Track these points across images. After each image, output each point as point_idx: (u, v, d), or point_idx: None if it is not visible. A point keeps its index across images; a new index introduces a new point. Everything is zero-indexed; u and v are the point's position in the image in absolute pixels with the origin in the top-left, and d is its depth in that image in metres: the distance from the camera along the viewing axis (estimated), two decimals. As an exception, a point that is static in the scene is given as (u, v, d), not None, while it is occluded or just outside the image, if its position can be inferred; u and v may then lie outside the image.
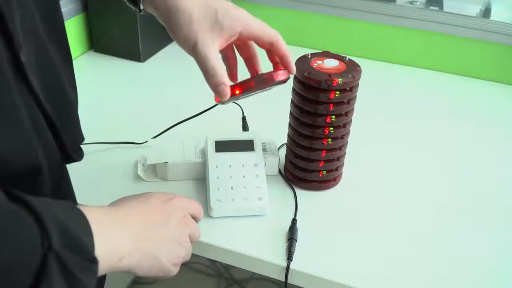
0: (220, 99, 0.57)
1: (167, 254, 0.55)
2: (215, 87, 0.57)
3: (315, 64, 0.70)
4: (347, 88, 0.69)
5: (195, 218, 0.62)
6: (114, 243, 0.48)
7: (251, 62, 0.65)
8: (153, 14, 0.61)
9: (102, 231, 0.46)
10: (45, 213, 0.41)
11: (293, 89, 0.73)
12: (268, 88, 0.61)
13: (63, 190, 0.57)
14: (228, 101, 0.58)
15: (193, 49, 0.57)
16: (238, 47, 0.64)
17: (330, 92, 0.68)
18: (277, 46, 0.60)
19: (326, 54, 0.73)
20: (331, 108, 0.69)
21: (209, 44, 0.56)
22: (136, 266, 0.51)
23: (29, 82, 0.47)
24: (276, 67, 0.63)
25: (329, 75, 0.67)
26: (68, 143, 0.55)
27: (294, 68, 0.62)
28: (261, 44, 0.61)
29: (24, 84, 0.47)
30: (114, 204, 0.55)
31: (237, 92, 0.58)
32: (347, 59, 0.72)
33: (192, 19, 0.56)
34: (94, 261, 0.44)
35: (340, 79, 0.67)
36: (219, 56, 0.58)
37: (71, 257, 0.41)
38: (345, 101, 0.70)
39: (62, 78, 0.56)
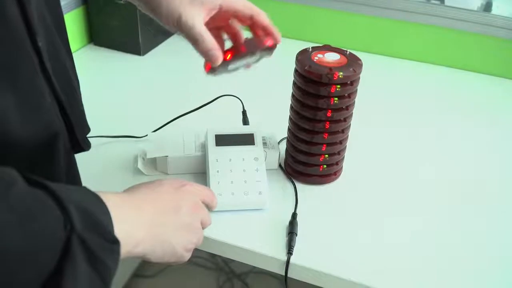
0: (212, 64, 0.58)
1: (179, 240, 0.55)
2: (206, 52, 0.58)
3: (316, 58, 0.70)
4: (348, 82, 0.68)
5: (207, 206, 0.63)
6: (129, 229, 0.49)
7: (235, 38, 0.66)
8: (134, 3, 0.63)
9: (118, 217, 0.46)
10: (65, 196, 0.41)
11: (294, 83, 0.73)
12: (257, 58, 0.62)
13: (72, 179, 0.58)
14: (220, 71, 0.58)
15: (177, 23, 0.58)
16: (222, 28, 0.66)
17: (331, 86, 0.68)
18: (258, 18, 0.62)
19: (327, 48, 0.73)
20: (332, 102, 0.69)
21: (193, 15, 0.58)
22: (150, 252, 0.52)
23: (46, 68, 0.48)
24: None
25: (330, 69, 0.67)
26: (77, 130, 0.56)
27: (279, 36, 0.63)
28: (242, 19, 0.62)
29: (40, 70, 0.48)
30: (127, 191, 0.56)
31: (228, 57, 0.58)
32: (348, 53, 0.72)
33: None
34: (116, 241, 0.44)
35: (341, 73, 0.67)
36: (205, 27, 0.59)
37: (94, 238, 0.42)
38: (346, 95, 0.70)
39: (68, 67, 0.56)
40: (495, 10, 1.08)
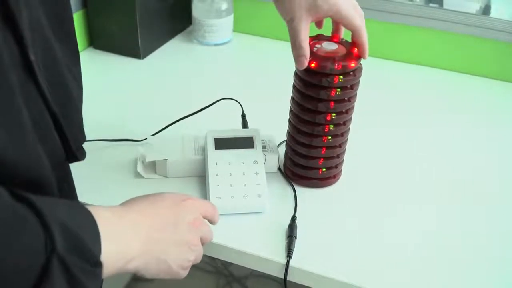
0: (296, 67, 0.68)
1: (175, 258, 0.54)
2: (297, 57, 0.66)
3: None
4: (348, 86, 0.68)
5: (210, 221, 0.61)
6: (122, 244, 0.48)
7: (335, 28, 0.73)
8: None
9: (110, 232, 0.45)
10: (49, 214, 0.40)
11: (294, 86, 0.73)
12: None
13: (64, 191, 0.57)
14: None
15: (289, 22, 0.65)
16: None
17: (330, 90, 0.67)
18: (357, 34, 0.69)
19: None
20: (332, 106, 0.69)
21: (302, 21, 0.64)
22: (144, 269, 0.51)
23: (38, 81, 0.47)
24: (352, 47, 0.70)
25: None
26: (72, 141, 0.55)
27: (366, 55, 0.70)
28: (346, 27, 0.69)
29: (32, 83, 0.47)
30: (124, 204, 0.55)
31: (313, 65, 0.67)
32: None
33: None
34: (98, 265, 0.43)
35: (341, 77, 0.67)
36: (308, 32, 0.66)
37: (75, 260, 0.41)
38: (346, 98, 0.70)
39: (67, 76, 0.55)
40: (494, 13, 1.08)
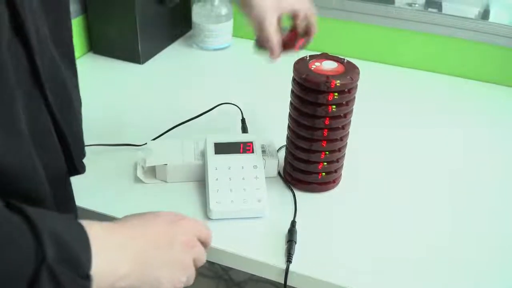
0: (269, 55, 0.76)
1: (168, 277, 0.53)
2: (270, 47, 0.75)
3: (314, 66, 0.70)
4: (346, 90, 0.69)
5: (203, 243, 0.60)
6: (113, 262, 0.47)
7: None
8: None
9: (101, 248, 0.45)
10: (42, 224, 0.40)
11: (292, 91, 0.73)
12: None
13: (62, 202, 0.56)
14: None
15: (260, 24, 0.74)
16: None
17: (328, 94, 0.68)
18: (310, 20, 0.79)
19: (324, 56, 0.73)
20: (330, 110, 0.69)
21: (272, 22, 0.74)
22: (135, 287, 0.50)
23: (44, 90, 0.48)
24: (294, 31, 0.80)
25: (327, 77, 0.68)
26: (75, 154, 0.55)
27: (312, 37, 0.80)
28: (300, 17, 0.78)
29: (38, 91, 0.48)
30: (119, 221, 0.54)
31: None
32: (345, 61, 0.72)
33: (265, 4, 0.74)
34: (88, 278, 0.43)
35: (338, 81, 0.67)
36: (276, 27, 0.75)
37: (65, 271, 0.41)
38: (344, 102, 0.70)
39: (69, 88, 0.56)
40: (493, 17, 1.08)
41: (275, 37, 0.74)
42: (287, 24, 0.79)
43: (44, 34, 0.50)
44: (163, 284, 0.53)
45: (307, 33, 0.79)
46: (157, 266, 0.53)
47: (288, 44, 0.78)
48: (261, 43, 0.77)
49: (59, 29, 0.54)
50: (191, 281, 0.58)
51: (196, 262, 0.58)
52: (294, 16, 0.78)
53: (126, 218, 0.55)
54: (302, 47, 0.79)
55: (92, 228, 0.45)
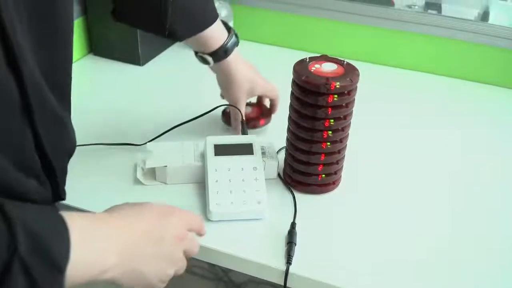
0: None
1: (154, 271, 0.53)
2: (235, 126, 0.87)
3: (313, 68, 0.70)
4: (345, 92, 0.69)
5: (197, 233, 0.60)
6: (98, 253, 0.47)
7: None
8: (213, 71, 0.86)
9: (84, 239, 0.45)
10: (16, 217, 0.40)
11: (292, 93, 0.73)
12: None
13: None
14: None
15: (235, 104, 0.85)
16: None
17: (328, 96, 0.68)
18: (274, 102, 0.90)
19: (324, 58, 0.73)
20: (330, 112, 0.69)
21: (243, 104, 0.86)
22: (120, 279, 0.50)
23: (34, 125, 0.49)
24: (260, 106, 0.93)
25: (327, 79, 0.68)
26: (61, 184, 0.56)
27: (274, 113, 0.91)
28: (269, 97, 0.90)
29: (28, 126, 0.48)
30: (108, 211, 0.54)
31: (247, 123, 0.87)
32: (345, 62, 0.72)
33: (241, 88, 0.84)
34: (61, 271, 0.42)
35: (338, 83, 0.67)
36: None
37: (38, 264, 0.40)
38: (344, 104, 0.70)
39: (66, 120, 0.56)
40: (493, 19, 1.08)
41: (239, 118, 0.85)
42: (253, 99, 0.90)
43: (36, 71, 0.49)
44: (148, 279, 0.53)
45: (270, 110, 0.91)
46: (145, 260, 0.52)
47: (253, 118, 0.89)
48: (227, 118, 0.89)
49: (53, 69, 0.53)
50: (181, 272, 0.57)
51: (187, 254, 0.58)
52: (261, 97, 0.91)
53: (115, 208, 0.54)
54: (265, 123, 0.90)
55: (75, 221, 0.45)
